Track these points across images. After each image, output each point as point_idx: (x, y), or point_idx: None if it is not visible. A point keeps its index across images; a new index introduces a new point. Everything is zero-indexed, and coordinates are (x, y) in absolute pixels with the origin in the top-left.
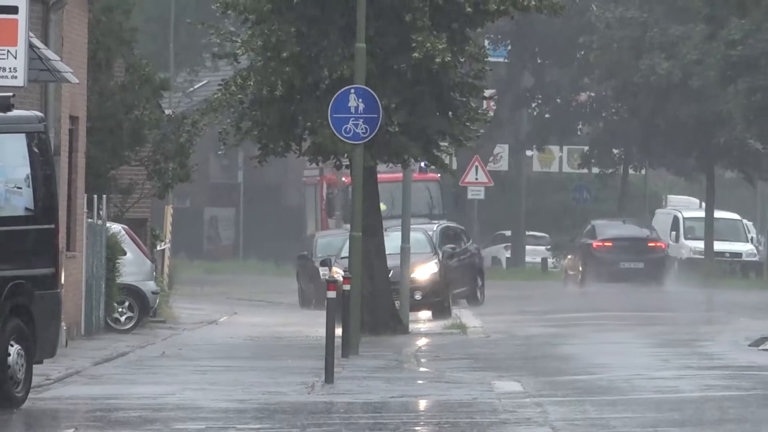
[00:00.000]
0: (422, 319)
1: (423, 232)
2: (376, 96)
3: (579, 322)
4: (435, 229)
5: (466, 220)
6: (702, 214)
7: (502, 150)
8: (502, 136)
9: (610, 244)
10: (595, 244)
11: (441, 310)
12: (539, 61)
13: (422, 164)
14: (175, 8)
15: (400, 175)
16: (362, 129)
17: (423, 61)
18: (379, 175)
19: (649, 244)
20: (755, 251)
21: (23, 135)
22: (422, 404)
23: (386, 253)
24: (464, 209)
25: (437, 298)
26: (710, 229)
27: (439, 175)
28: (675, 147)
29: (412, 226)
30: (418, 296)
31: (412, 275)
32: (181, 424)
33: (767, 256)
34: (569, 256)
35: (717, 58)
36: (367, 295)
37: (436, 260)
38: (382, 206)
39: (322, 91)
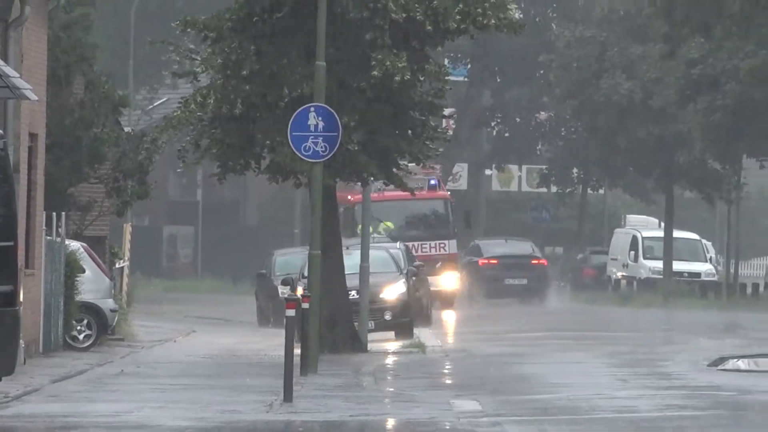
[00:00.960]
0: (383, 339)
1: (386, 250)
2: (335, 114)
3: (538, 342)
4: (399, 247)
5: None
6: (661, 233)
7: (461, 169)
8: (462, 155)
9: (495, 261)
10: (480, 261)
11: (406, 331)
12: (499, 80)
13: (431, 181)
14: (135, 26)
15: (408, 194)
16: (322, 147)
17: (383, 80)
18: (386, 194)
19: (532, 262)
20: (714, 271)
21: None
22: (381, 424)
23: (348, 272)
24: (471, 228)
25: (406, 318)
26: (669, 249)
27: (449, 192)
28: (635, 166)
29: (375, 245)
30: (388, 316)
31: (381, 295)
32: None
33: (726, 276)
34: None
35: (676, 77)
36: (326, 314)
37: (403, 280)
38: (389, 225)
39: (281, 110)
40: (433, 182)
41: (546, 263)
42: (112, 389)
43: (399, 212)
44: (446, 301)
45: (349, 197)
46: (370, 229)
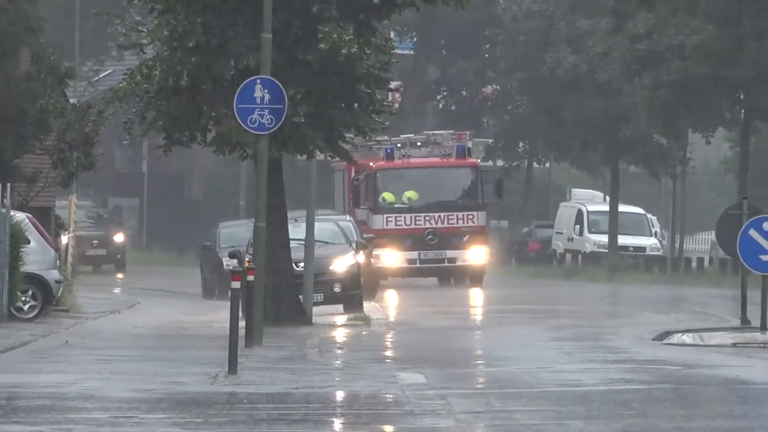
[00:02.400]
0: (331, 312)
1: (335, 222)
2: (281, 87)
3: (483, 315)
4: (348, 219)
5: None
6: (606, 207)
7: None
8: (408, 128)
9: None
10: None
11: (356, 304)
12: (445, 53)
13: (460, 147)
14: None
15: (436, 160)
16: (268, 120)
17: (329, 53)
18: (411, 160)
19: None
20: (659, 245)
21: None
22: (326, 396)
23: (295, 244)
24: (502, 199)
25: (356, 291)
26: (614, 223)
27: (478, 160)
28: (580, 141)
29: (323, 218)
30: (337, 288)
31: (330, 267)
32: (85, 413)
33: (671, 250)
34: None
35: (622, 52)
36: (271, 287)
37: (353, 252)
38: (413, 194)
39: (228, 82)
40: (461, 147)
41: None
42: (56, 360)
43: (424, 180)
44: (475, 277)
45: (371, 164)
46: (383, 198)
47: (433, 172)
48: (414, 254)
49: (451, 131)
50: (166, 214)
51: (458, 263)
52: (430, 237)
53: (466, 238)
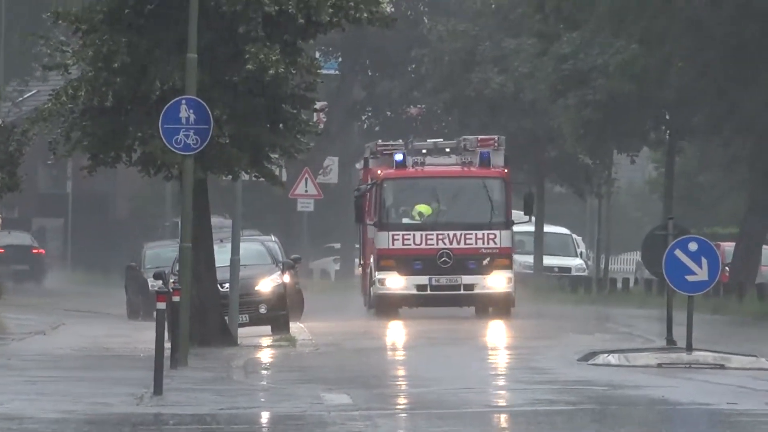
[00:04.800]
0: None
1: (261, 243)
2: (207, 107)
3: (408, 336)
4: (274, 239)
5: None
6: (531, 228)
7: (331, 162)
8: (332, 149)
9: (2, 250)
10: None
11: (282, 325)
12: (370, 73)
13: (484, 154)
14: (5, 17)
15: (455, 169)
16: (193, 140)
17: (256, 73)
18: (426, 168)
19: (33, 251)
20: (584, 266)
21: None
22: (252, 417)
23: (221, 265)
24: (534, 215)
25: (282, 312)
26: (540, 244)
27: (505, 170)
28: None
29: (249, 238)
30: (263, 309)
31: (256, 287)
32: None
33: (596, 270)
34: None
35: (548, 72)
36: (196, 307)
37: (279, 272)
38: (426, 209)
39: (153, 102)
40: (486, 155)
41: (44, 252)
42: None
43: (440, 192)
44: (500, 307)
45: (379, 172)
46: (419, 213)
47: (451, 182)
48: (424, 279)
49: (477, 136)
50: (90, 234)
51: (476, 291)
52: (443, 259)
53: (486, 262)
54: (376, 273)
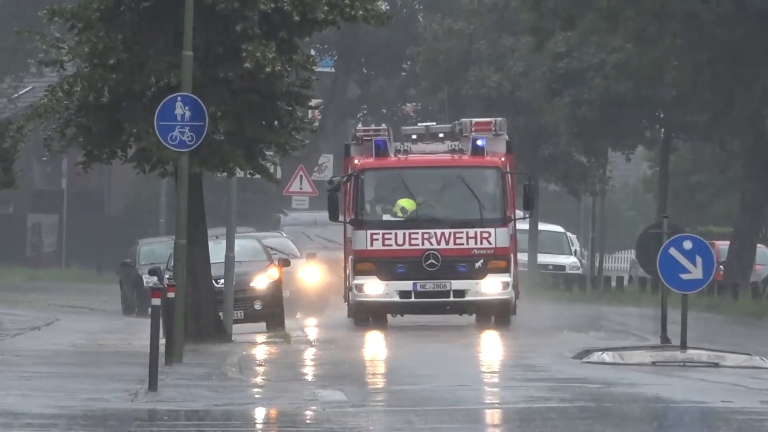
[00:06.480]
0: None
1: (257, 240)
2: (202, 104)
3: (397, 332)
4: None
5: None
6: (526, 226)
7: (326, 160)
8: (327, 146)
9: None
10: None
11: (277, 321)
12: (365, 71)
13: (478, 142)
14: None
15: (443, 157)
16: (188, 137)
17: (252, 71)
18: (410, 158)
19: None
20: (578, 264)
21: None
22: (246, 413)
23: (216, 261)
24: (534, 210)
25: (277, 308)
26: (534, 242)
27: (502, 159)
28: None
29: (245, 235)
30: (258, 306)
31: (251, 284)
32: (4, 430)
33: (590, 269)
34: None
35: (543, 70)
36: (191, 304)
37: (275, 269)
38: (409, 203)
39: (148, 99)
40: (480, 143)
41: None
42: None
43: (427, 184)
44: (498, 314)
45: (356, 161)
46: (402, 209)
47: (438, 173)
48: (408, 285)
49: (473, 119)
50: (85, 231)
51: (468, 297)
52: (429, 262)
53: (479, 264)
54: (354, 278)
